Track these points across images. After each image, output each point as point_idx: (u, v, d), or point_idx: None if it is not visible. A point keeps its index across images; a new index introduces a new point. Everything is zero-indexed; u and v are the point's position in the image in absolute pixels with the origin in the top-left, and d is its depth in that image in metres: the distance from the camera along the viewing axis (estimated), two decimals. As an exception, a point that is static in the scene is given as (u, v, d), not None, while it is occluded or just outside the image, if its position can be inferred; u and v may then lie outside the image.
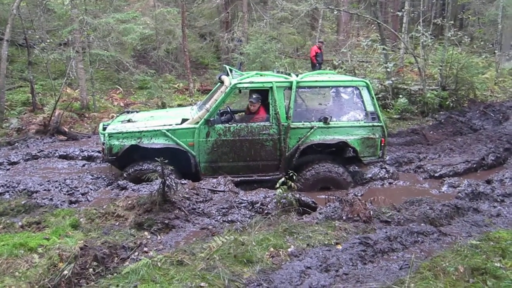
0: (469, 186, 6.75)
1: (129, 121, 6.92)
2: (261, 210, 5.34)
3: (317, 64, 15.01)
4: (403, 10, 15.79)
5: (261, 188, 6.07)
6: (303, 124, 6.66)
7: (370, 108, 6.86)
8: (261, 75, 7.04)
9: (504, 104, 13.67)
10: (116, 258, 4.07)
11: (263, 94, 6.83)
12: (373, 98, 6.89)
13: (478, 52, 16.72)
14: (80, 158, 8.24)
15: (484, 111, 12.78)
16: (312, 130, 6.62)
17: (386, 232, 4.68)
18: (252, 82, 6.73)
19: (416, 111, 12.47)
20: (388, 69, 12.98)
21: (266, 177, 6.65)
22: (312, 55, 15.12)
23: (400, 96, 12.64)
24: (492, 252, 4.03)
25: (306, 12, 16.46)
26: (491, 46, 18.33)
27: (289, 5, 15.77)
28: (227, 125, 6.57)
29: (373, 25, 18.96)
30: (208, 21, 18.15)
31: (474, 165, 8.36)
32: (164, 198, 5.05)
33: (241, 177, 6.58)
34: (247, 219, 5.10)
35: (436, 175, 7.79)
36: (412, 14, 15.54)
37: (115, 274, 3.73)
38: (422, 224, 5.06)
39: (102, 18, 12.63)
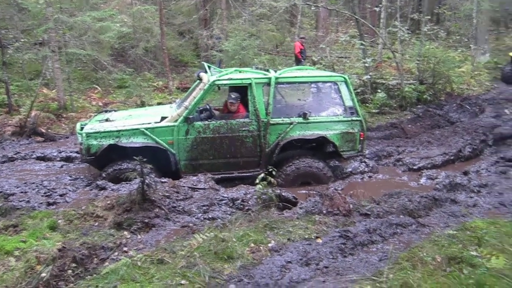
0: (447, 177, 6.89)
1: (107, 120, 6.84)
2: (242, 206, 5.33)
3: (302, 60, 15.05)
4: (380, 5, 15.94)
5: (242, 185, 6.06)
6: (282, 120, 6.68)
7: (348, 103, 6.91)
8: (239, 72, 7.04)
9: (480, 97, 13.98)
10: (95, 259, 4.02)
11: (242, 91, 6.82)
12: (351, 93, 6.95)
13: (454, 47, 17.02)
14: (58, 159, 8.11)
15: (461, 104, 13.03)
16: (292, 125, 6.65)
17: (366, 225, 4.73)
18: (231, 79, 6.72)
19: (395, 105, 12.60)
20: (367, 64, 13.10)
21: (247, 174, 6.65)
22: (297, 51, 15.14)
23: (379, 90, 12.77)
24: (469, 241, 4.12)
25: (285, 8, 16.48)
26: (466, 40, 18.66)
27: (267, 2, 15.75)
28: (206, 122, 6.54)
29: (351, 21, 19.10)
30: (187, 19, 18.00)
31: (452, 157, 8.52)
32: (144, 197, 5.01)
33: (222, 174, 6.57)
34: (228, 216, 5.09)
35: (414, 167, 7.92)
36: (389, 10, 15.67)
37: (94, 275, 3.68)
38: (401, 216, 5.13)
39: (78, 17, 12.41)
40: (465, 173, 7.39)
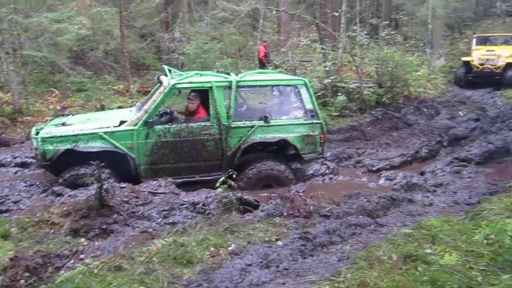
0: (404, 178, 7.07)
1: (63, 124, 6.65)
2: (202, 210, 5.29)
3: (267, 64, 15.12)
4: (340, 10, 16.25)
5: (203, 189, 6.01)
6: (244, 123, 6.68)
7: (309, 106, 6.99)
8: (200, 75, 7.01)
9: (435, 100, 14.52)
10: (50, 268, 3.89)
11: (203, 94, 6.79)
12: (311, 96, 7.03)
13: (411, 51, 17.56)
14: (12, 164, 7.79)
15: (418, 107, 13.45)
16: (253, 129, 6.66)
17: (325, 226, 4.79)
18: (191, 82, 6.68)
19: (355, 108, 12.86)
20: (327, 68, 13.32)
21: (209, 177, 6.59)
22: (261, 55, 15.22)
23: (339, 94, 13.00)
24: (424, 239, 4.21)
25: (247, 12, 16.56)
26: (422, 45, 19.31)
27: (229, 5, 15.78)
28: (167, 126, 6.46)
29: (312, 26, 19.38)
30: (148, 21, 17.76)
31: (409, 158, 8.77)
32: (102, 202, 4.88)
33: (183, 178, 6.50)
34: (188, 220, 5.03)
35: (374, 169, 8.09)
36: (349, 15, 16.00)
37: (48, 284, 3.56)
38: (360, 217, 5.22)
39: (34, 18, 12.03)
40: (422, 174, 7.63)
